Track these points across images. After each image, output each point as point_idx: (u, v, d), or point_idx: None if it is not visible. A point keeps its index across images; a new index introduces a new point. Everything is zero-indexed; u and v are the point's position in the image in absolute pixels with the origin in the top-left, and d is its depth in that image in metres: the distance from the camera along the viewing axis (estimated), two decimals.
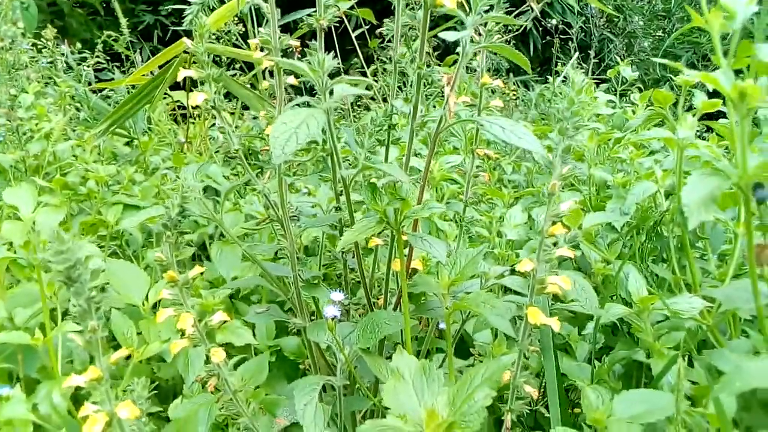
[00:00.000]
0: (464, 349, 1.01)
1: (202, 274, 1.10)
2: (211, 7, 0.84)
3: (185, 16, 0.83)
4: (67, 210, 1.25)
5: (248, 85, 1.67)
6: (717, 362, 0.65)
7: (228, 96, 1.93)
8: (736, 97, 0.57)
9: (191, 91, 1.46)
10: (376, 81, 2.42)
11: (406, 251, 0.70)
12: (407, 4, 0.81)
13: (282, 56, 0.71)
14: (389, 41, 0.90)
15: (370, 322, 0.61)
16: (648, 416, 0.58)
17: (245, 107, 2.02)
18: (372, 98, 2.33)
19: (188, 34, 0.88)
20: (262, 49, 0.73)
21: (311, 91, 0.70)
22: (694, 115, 0.94)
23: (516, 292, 0.75)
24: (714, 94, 0.98)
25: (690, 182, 0.52)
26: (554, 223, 0.57)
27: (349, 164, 0.72)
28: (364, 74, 2.68)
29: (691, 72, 0.55)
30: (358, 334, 0.60)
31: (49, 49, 2.08)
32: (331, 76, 0.62)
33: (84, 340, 0.42)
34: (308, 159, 0.73)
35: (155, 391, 0.61)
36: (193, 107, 1.53)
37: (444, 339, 1.02)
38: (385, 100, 1.91)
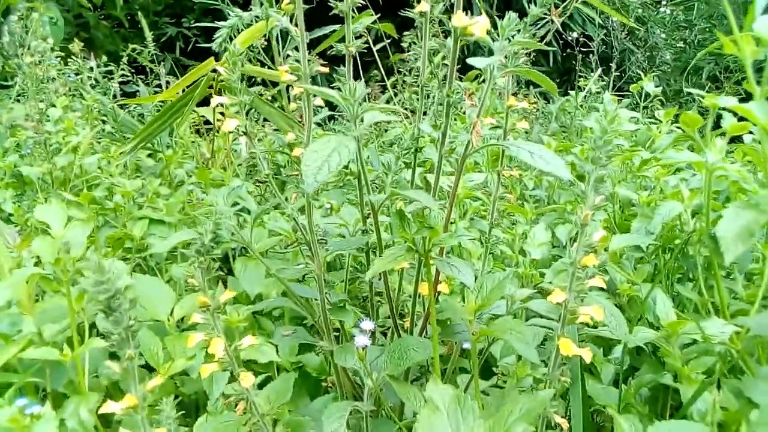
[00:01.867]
0: (487, 368, 1.00)
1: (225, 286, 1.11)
2: (238, 29, 0.85)
3: (215, 38, 0.84)
4: (94, 223, 1.27)
5: (270, 99, 1.69)
6: (750, 393, 0.64)
7: (251, 110, 1.95)
8: None
9: (217, 106, 1.48)
10: (395, 93, 2.43)
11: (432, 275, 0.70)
12: (432, 25, 0.81)
13: (310, 80, 0.72)
14: (409, 49, 0.90)
15: (398, 348, 0.61)
16: None
17: (266, 119, 2.04)
18: (393, 112, 2.32)
19: (215, 53, 0.89)
20: (290, 73, 0.73)
21: (334, 108, 0.71)
22: (723, 138, 0.93)
23: (542, 316, 0.75)
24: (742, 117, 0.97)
25: (726, 216, 0.51)
26: (587, 253, 0.56)
27: (376, 187, 0.73)
28: (383, 86, 2.69)
29: (726, 101, 0.54)
30: (387, 360, 0.60)
31: (76, 62, 2.12)
32: (360, 103, 0.62)
33: (121, 367, 0.43)
34: (333, 181, 0.73)
35: (180, 409, 0.62)
36: (217, 121, 1.54)
37: (467, 358, 1.02)
38: (407, 116, 1.92)
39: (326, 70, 0.67)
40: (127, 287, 0.42)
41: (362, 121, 0.59)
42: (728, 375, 0.86)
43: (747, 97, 0.77)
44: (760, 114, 0.51)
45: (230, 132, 0.65)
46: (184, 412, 1.02)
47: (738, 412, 0.76)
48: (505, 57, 0.80)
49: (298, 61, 0.71)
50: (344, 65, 0.68)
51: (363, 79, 0.71)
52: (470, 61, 0.60)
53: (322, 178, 0.52)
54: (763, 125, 0.52)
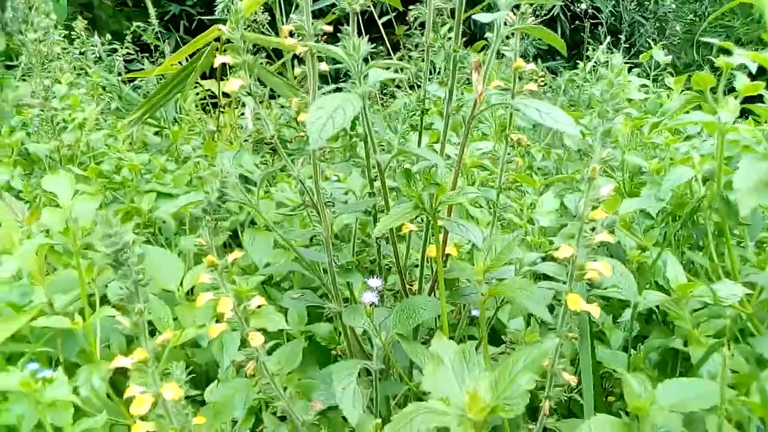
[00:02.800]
0: (496, 337, 1.00)
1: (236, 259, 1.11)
2: None
3: (217, 4, 0.83)
4: (102, 198, 1.28)
5: (278, 73, 1.67)
6: (762, 349, 0.63)
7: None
8: None
9: (222, 79, 1.48)
10: (402, 68, 2.41)
11: (440, 237, 0.70)
12: None
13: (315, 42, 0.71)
14: (416, 28, 0.89)
15: (406, 308, 0.61)
16: (692, 405, 0.57)
17: (272, 96, 2.03)
18: (398, 86, 2.32)
19: (217, 22, 0.88)
20: (292, 35, 0.72)
21: (338, 80, 0.70)
22: (736, 98, 0.91)
23: (551, 278, 0.75)
24: (753, 77, 0.95)
25: (742, 167, 0.50)
26: (594, 208, 0.56)
27: (383, 150, 0.72)
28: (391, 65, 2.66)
29: (741, 51, 0.53)
30: (395, 319, 0.60)
31: (80, 40, 2.11)
32: (365, 60, 0.61)
33: (131, 322, 0.43)
34: (339, 146, 0.73)
35: (191, 375, 0.62)
36: (223, 95, 1.53)
37: (476, 326, 1.02)
38: (412, 87, 1.90)
39: (329, 28, 0.66)
40: (134, 242, 0.42)
41: (366, 78, 0.58)
42: (739, 339, 0.86)
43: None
44: None
45: (232, 100, 0.65)
46: (195, 378, 1.03)
47: (749, 375, 0.76)
48: (513, 15, 0.78)
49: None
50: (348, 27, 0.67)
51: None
52: (476, 16, 0.59)
53: (328, 134, 0.51)
54: None
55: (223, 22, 0.75)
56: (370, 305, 0.58)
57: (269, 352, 0.85)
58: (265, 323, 0.91)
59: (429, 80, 0.78)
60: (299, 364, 0.87)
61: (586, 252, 0.60)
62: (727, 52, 0.87)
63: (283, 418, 0.70)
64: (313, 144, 0.52)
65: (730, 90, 0.93)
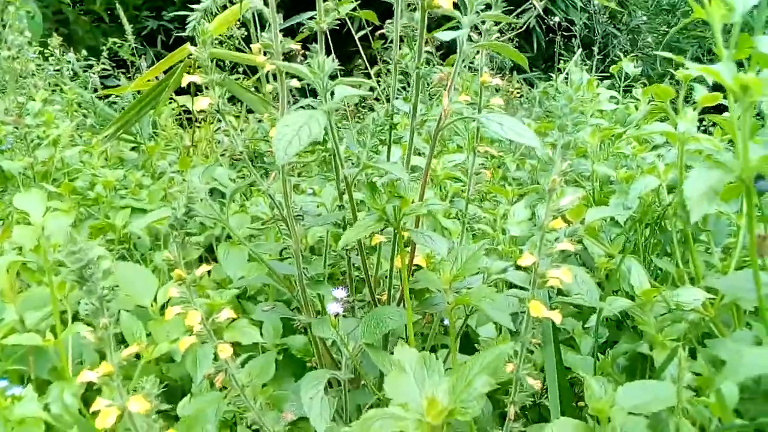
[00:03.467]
0: (469, 345, 1.02)
1: (209, 273, 1.11)
2: (213, 13, 0.85)
3: (189, 22, 0.84)
4: (76, 214, 1.27)
5: (252, 89, 1.69)
6: (718, 351, 0.66)
7: (232, 99, 1.95)
8: (738, 89, 0.58)
9: (196, 95, 1.48)
10: (379, 82, 2.43)
11: (408, 248, 0.71)
12: (408, 5, 0.82)
13: (284, 59, 0.73)
14: (391, 42, 0.91)
15: (374, 317, 0.62)
16: (650, 406, 0.59)
17: (250, 110, 2.04)
18: (376, 99, 2.34)
19: (192, 39, 0.89)
20: (264, 53, 0.74)
21: (314, 93, 0.72)
22: (695, 109, 0.94)
23: (519, 287, 0.76)
24: (715, 87, 0.99)
25: (691, 176, 0.52)
26: (555, 218, 0.58)
27: (353, 164, 0.74)
28: (367, 75, 2.69)
29: (693, 65, 0.56)
30: (363, 329, 0.62)
31: (55, 56, 2.10)
32: (332, 77, 0.63)
33: (96, 336, 0.44)
34: (312, 160, 0.74)
35: (165, 389, 0.63)
36: (198, 111, 1.54)
37: (449, 335, 1.04)
38: (388, 100, 1.92)
39: (298, 47, 0.68)
40: (100, 257, 0.43)
41: (332, 95, 0.59)
42: (702, 344, 0.88)
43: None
44: (727, 75, 0.53)
45: (207, 115, 0.66)
46: (170, 392, 1.03)
47: (711, 378, 0.78)
48: (479, 33, 0.81)
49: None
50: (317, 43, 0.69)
51: (342, 65, 0.71)
52: (438, 34, 0.61)
53: (293, 151, 0.53)
54: (729, 85, 0.53)
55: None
56: (335, 316, 0.59)
57: (243, 365, 0.85)
58: (239, 336, 0.91)
59: (399, 95, 0.80)
60: (275, 377, 0.88)
61: (549, 261, 0.62)
62: (701, 61, 0.91)
63: (256, 431, 0.71)
64: (280, 160, 0.53)
65: (692, 102, 0.97)
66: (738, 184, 0.88)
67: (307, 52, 0.72)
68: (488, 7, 0.74)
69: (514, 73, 3.52)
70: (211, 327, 0.57)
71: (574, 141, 0.63)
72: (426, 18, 0.62)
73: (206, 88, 0.68)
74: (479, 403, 0.41)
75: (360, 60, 2.54)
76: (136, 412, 0.45)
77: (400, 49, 0.79)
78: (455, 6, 0.66)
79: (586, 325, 1.02)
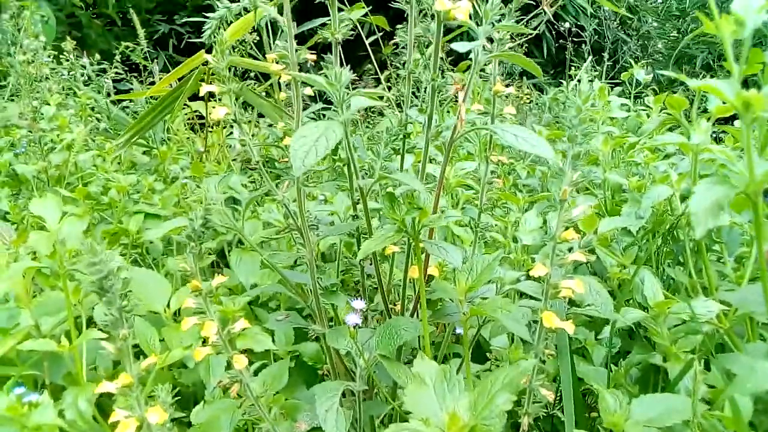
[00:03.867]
0: (481, 354, 1.02)
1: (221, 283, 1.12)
2: (228, 21, 0.86)
3: (204, 30, 0.85)
4: (90, 219, 1.28)
5: (264, 94, 1.69)
6: (730, 365, 0.65)
7: (244, 105, 1.96)
8: (740, 106, 0.57)
9: (209, 101, 1.49)
10: (389, 87, 2.44)
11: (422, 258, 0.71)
12: (420, 11, 0.82)
13: (298, 68, 0.73)
14: (403, 48, 0.91)
15: (389, 328, 0.63)
16: (665, 419, 0.59)
17: (260, 115, 2.05)
18: (387, 104, 2.35)
19: (205, 45, 0.90)
20: (278, 62, 0.74)
21: (325, 98, 0.72)
22: (708, 120, 0.94)
23: (532, 297, 0.76)
24: None
25: (697, 191, 0.52)
26: (567, 228, 0.58)
27: (365, 173, 0.74)
28: (377, 80, 2.69)
29: (694, 82, 0.56)
30: (378, 340, 0.62)
31: (69, 60, 2.12)
32: (346, 88, 0.63)
33: (115, 347, 0.44)
34: (325, 168, 0.74)
35: (177, 397, 0.63)
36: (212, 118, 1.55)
37: (460, 344, 1.03)
38: (399, 106, 1.93)
39: (313, 57, 0.68)
40: (119, 268, 0.43)
41: (349, 106, 0.60)
42: (716, 355, 0.88)
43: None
44: (729, 92, 0.52)
45: (221, 120, 0.66)
46: (182, 399, 1.04)
47: (723, 389, 0.77)
48: (492, 42, 0.81)
49: (287, 50, 0.72)
50: (332, 53, 0.69)
51: (352, 69, 0.72)
52: (454, 45, 0.61)
53: (310, 162, 0.53)
54: (731, 101, 0.53)
55: (212, 46, 0.76)
56: (354, 327, 0.59)
57: (256, 373, 0.86)
58: (251, 344, 0.91)
59: (412, 103, 0.81)
60: (286, 384, 0.88)
61: (561, 271, 0.62)
62: (712, 68, 0.90)
63: None
64: (297, 172, 0.53)
65: (705, 111, 0.97)
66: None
67: (321, 63, 0.72)
68: (502, 16, 0.74)
69: (524, 78, 3.52)
70: (227, 338, 0.58)
71: (585, 151, 0.63)
72: (441, 29, 0.62)
73: (221, 98, 0.69)
74: (501, 420, 0.41)
75: (370, 65, 2.54)
76: (155, 423, 0.45)
77: (413, 55, 0.80)
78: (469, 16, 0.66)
79: (598, 336, 1.01)
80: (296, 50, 0.70)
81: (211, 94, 0.88)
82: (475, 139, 1.58)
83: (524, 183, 1.80)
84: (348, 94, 0.60)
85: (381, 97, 0.70)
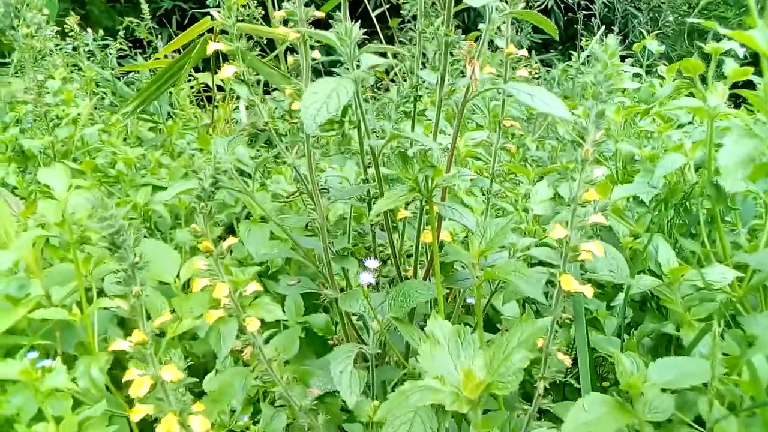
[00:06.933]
0: (491, 325, 1.01)
1: (231, 251, 1.11)
2: None
3: None
4: (97, 192, 1.27)
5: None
6: (749, 326, 0.64)
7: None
8: None
9: (216, 72, 1.47)
10: (397, 62, 2.41)
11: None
12: None
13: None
14: (409, 21, 0.89)
15: (402, 291, 0.62)
16: (683, 382, 0.58)
17: (266, 92, 2.03)
18: (392, 80, 2.32)
19: (206, 16, 0.88)
20: (286, 23, 0.73)
21: (330, 73, 0.70)
22: (725, 84, 0.92)
23: (544, 264, 0.75)
24: (745, 63, 0.96)
25: (727, 144, 0.51)
26: (587, 190, 0.56)
27: (376, 135, 0.72)
28: (383, 55, 2.66)
29: (727, 31, 0.54)
30: (391, 302, 0.61)
31: (73, 35, 2.10)
32: (357, 46, 0.62)
33: (128, 305, 0.43)
34: (335, 133, 0.73)
35: (190, 363, 0.63)
36: (218, 89, 1.54)
37: (471, 315, 1.03)
38: (405, 79, 1.91)
39: (322, 14, 0.66)
40: (130, 224, 0.42)
41: (359, 64, 0.58)
42: (729, 325, 0.87)
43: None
44: (761, 39, 0.51)
45: (226, 96, 0.65)
46: (193, 370, 1.03)
47: (740, 357, 0.76)
48: (505, 2, 0.79)
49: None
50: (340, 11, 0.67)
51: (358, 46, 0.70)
52: (467, 0, 0.60)
53: (322, 119, 0.52)
54: (764, 50, 0.51)
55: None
56: (368, 286, 0.58)
57: (266, 341, 0.85)
58: (261, 313, 0.91)
59: (422, 68, 0.79)
60: (296, 355, 0.88)
61: (579, 234, 0.61)
62: (720, 38, 0.88)
63: (281, 407, 0.71)
64: (308, 129, 0.52)
65: (722, 76, 0.94)
66: (766, 163, 0.86)
67: (330, 21, 0.70)
68: None
69: (532, 53, 3.47)
70: (239, 301, 0.57)
71: (607, 110, 0.61)
72: None
73: (230, 59, 0.67)
74: (517, 378, 0.41)
75: (377, 40, 2.51)
76: (170, 380, 0.45)
77: (424, 19, 0.78)
78: None
79: (610, 306, 1.01)
80: (304, 9, 0.68)
81: (218, 65, 0.86)
82: (483, 110, 1.56)
83: (534, 156, 1.78)
84: (358, 51, 0.59)
85: (395, 56, 0.68)
